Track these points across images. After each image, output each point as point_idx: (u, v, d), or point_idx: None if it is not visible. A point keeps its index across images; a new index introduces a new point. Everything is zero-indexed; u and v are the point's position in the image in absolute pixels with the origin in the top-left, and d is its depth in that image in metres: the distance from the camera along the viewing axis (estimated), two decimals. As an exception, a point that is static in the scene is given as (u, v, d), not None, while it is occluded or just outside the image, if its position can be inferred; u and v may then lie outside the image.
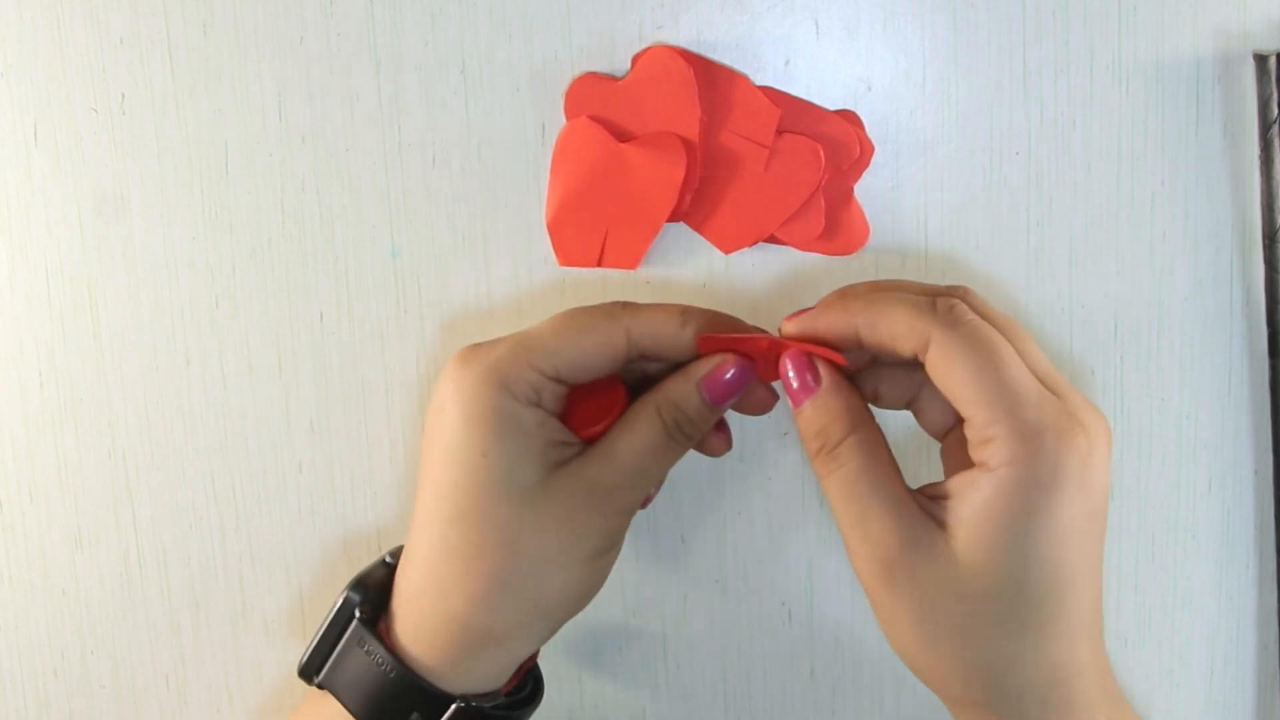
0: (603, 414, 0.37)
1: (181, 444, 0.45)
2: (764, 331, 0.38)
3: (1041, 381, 0.34)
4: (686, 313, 0.37)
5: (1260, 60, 0.43)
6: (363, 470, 0.46)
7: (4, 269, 0.44)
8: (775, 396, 0.38)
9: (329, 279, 0.44)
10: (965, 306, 0.34)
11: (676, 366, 0.38)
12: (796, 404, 0.36)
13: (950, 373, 0.33)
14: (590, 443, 0.37)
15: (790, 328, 0.37)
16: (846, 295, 0.36)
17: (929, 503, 0.34)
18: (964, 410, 0.33)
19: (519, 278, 0.45)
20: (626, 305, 0.37)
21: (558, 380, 0.36)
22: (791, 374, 0.36)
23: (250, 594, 0.46)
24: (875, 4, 0.43)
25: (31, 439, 0.45)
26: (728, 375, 0.36)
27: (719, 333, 0.37)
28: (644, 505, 0.39)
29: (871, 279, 0.45)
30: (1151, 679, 0.48)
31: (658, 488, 0.42)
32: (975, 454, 0.33)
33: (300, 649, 0.40)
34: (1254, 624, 0.48)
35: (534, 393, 0.36)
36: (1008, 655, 0.33)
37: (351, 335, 0.45)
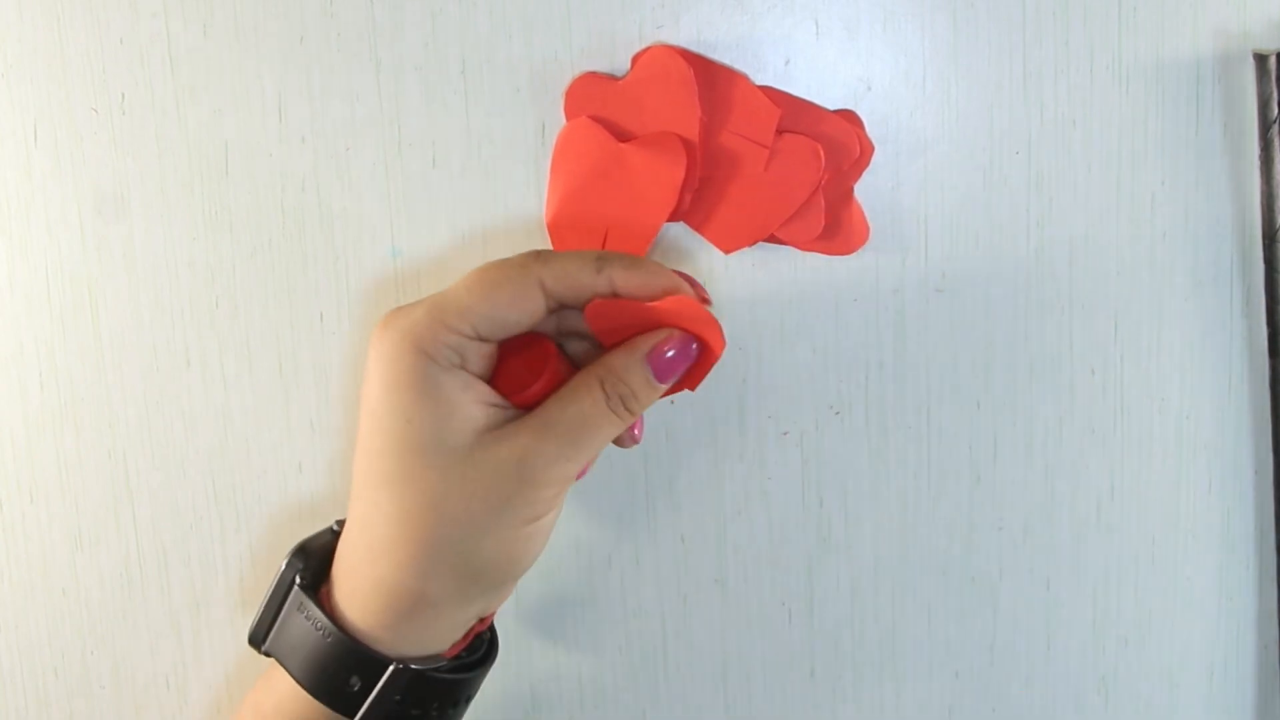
0: (532, 376, 0.37)
1: (181, 444, 0.45)
2: (684, 278, 0.37)
3: None
4: (601, 258, 0.36)
5: (1260, 60, 0.43)
6: (363, 470, 0.46)
7: (4, 269, 0.44)
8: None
9: (329, 279, 0.44)
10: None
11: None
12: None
13: None
14: (525, 409, 0.37)
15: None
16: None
17: None
18: None
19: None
20: (539, 255, 0.36)
21: (479, 339, 0.35)
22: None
23: (250, 594, 0.46)
24: (875, 4, 0.43)
25: (31, 439, 0.45)
26: (672, 352, 0.36)
27: (635, 277, 0.36)
28: (578, 477, 0.39)
29: (871, 279, 0.45)
30: (1151, 679, 0.48)
31: (592, 461, 0.42)
32: None
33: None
34: (1254, 624, 0.48)
35: (455, 355, 0.35)
36: None
37: (351, 335, 0.45)
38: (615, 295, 0.36)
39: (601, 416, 0.36)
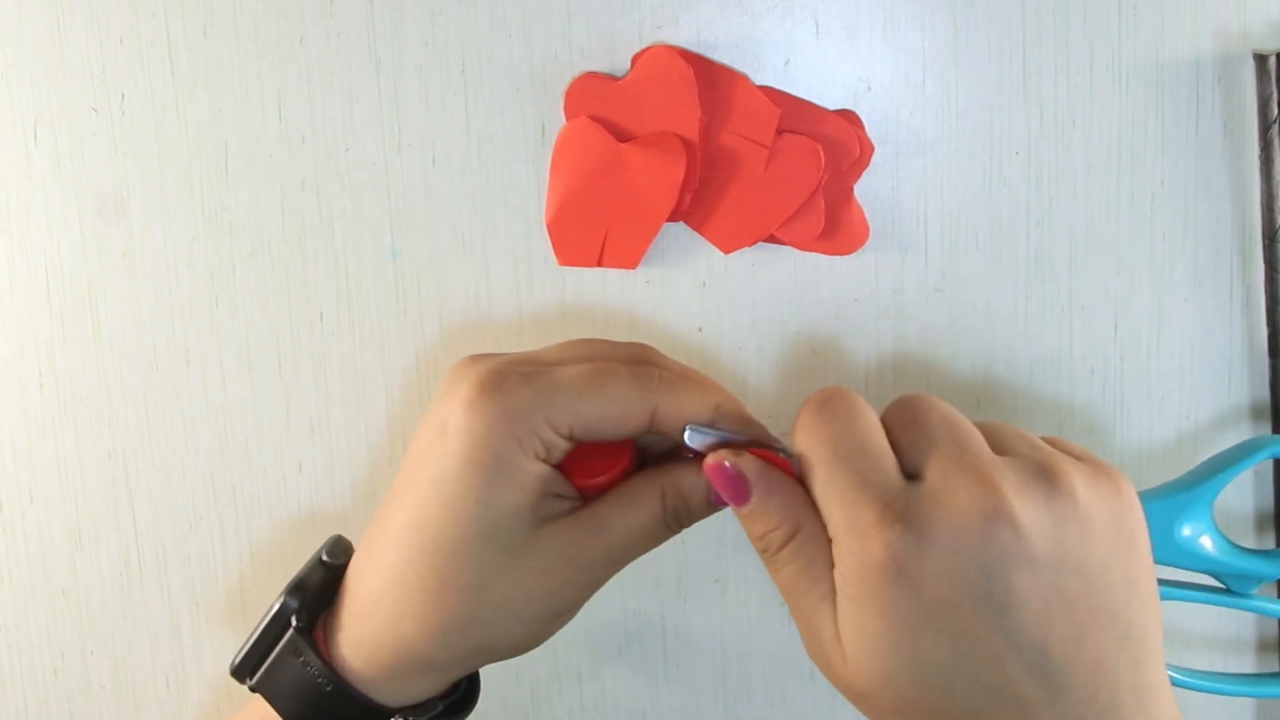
0: (605, 467, 0.36)
1: (181, 444, 0.45)
2: (778, 444, 0.36)
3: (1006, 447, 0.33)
4: (719, 408, 0.35)
5: (1260, 60, 0.43)
6: (363, 470, 0.46)
7: (4, 269, 0.44)
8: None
9: (329, 279, 0.44)
10: (821, 399, 0.34)
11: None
12: (736, 506, 0.34)
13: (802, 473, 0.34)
14: (585, 494, 0.36)
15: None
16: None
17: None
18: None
19: (519, 278, 0.44)
20: (662, 378, 0.35)
21: (571, 439, 0.34)
22: (726, 489, 0.34)
23: (250, 594, 0.46)
24: (875, 4, 0.43)
25: (31, 439, 0.45)
26: (739, 481, 0.34)
27: (740, 433, 0.35)
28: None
29: (871, 279, 0.45)
30: (1151, 679, 0.48)
31: None
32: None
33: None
34: (1254, 624, 0.48)
35: (544, 449, 0.34)
36: None
37: (351, 335, 0.45)
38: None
39: (656, 527, 0.35)
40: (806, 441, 0.33)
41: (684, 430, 0.35)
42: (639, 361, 0.36)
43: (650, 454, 0.38)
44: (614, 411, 0.34)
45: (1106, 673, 0.31)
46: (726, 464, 0.34)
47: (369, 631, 0.36)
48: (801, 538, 0.33)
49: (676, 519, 0.35)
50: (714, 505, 0.35)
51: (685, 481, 0.35)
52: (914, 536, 0.31)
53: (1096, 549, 0.31)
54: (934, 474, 0.32)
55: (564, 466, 0.35)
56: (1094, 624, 0.31)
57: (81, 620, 0.47)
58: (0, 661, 0.47)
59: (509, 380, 0.34)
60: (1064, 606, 0.31)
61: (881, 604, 0.31)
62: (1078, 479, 0.32)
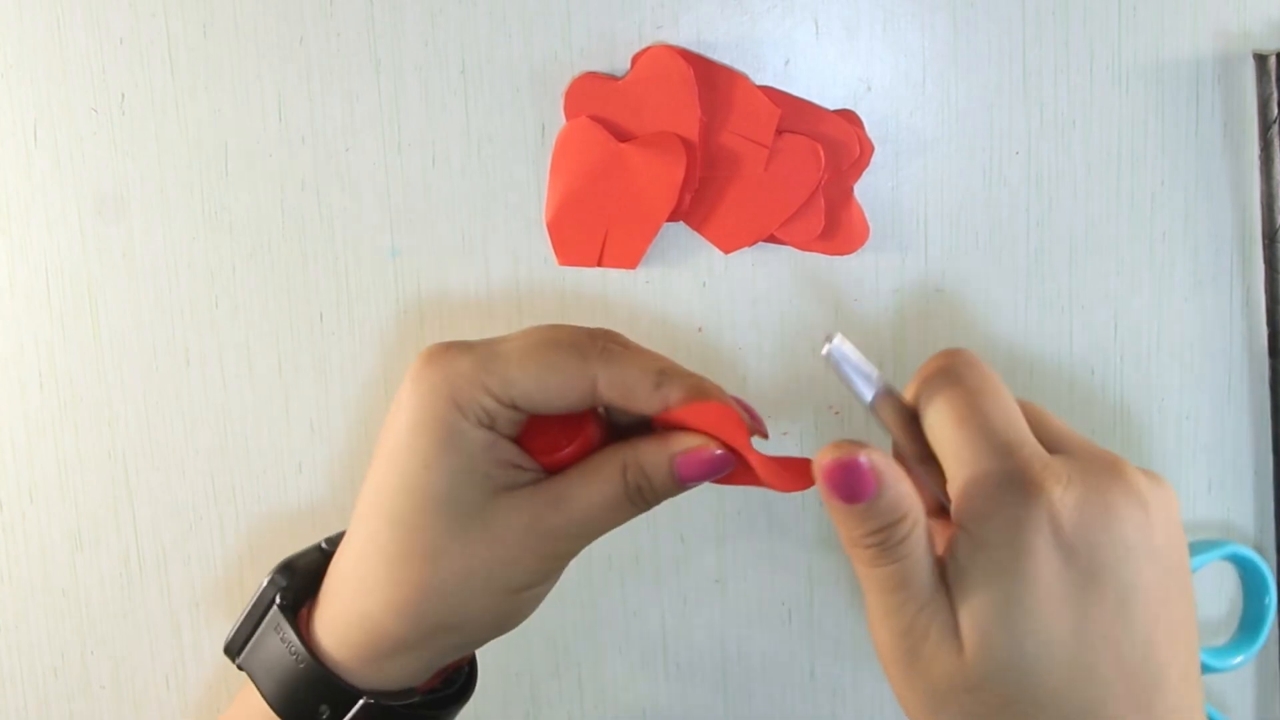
0: (565, 440, 0.35)
1: (181, 444, 0.45)
2: (741, 406, 0.35)
3: (1059, 441, 0.32)
4: (663, 374, 0.34)
5: (1260, 60, 0.43)
6: (363, 470, 0.46)
7: (4, 269, 0.44)
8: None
9: (329, 279, 0.44)
10: (963, 357, 0.33)
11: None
12: (843, 504, 0.31)
13: (936, 424, 0.32)
14: (551, 470, 0.35)
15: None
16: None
17: (942, 576, 0.32)
18: (944, 464, 0.32)
19: (519, 278, 0.44)
20: (605, 348, 0.34)
21: (514, 408, 0.34)
22: (845, 482, 0.31)
23: (250, 594, 0.46)
24: (875, 4, 0.43)
25: (31, 439, 0.45)
26: (707, 461, 0.34)
27: (694, 401, 0.34)
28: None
29: (871, 279, 0.45)
30: (1151, 679, 0.48)
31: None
32: (953, 513, 0.32)
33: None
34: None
35: (487, 416, 0.34)
36: None
37: (351, 335, 0.45)
38: (667, 418, 0.34)
39: (617, 502, 0.35)
40: (948, 390, 0.32)
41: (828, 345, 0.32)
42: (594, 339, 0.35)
43: (622, 431, 0.37)
44: (554, 381, 0.34)
45: (1191, 681, 0.31)
46: (861, 458, 0.30)
47: (340, 609, 0.36)
48: (920, 526, 0.31)
49: (640, 495, 0.35)
50: (681, 483, 0.34)
51: (646, 456, 0.34)
52: (1073, 500, 0.30)
53: (1182, 554, 0.31)
54: (1072, 448, 0.32)
55: (524, 441, 0.35)
56: (1184, 628, 0.31)
57: (81, 620, 0.47)
58: (0, 661, 0.47)
59: (451, 350, 0.35)
60: (1166, 605, 0.30)
61: (1025, 567, 0.29)
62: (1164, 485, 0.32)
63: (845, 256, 0.44)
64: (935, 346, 0.45)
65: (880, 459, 0.31)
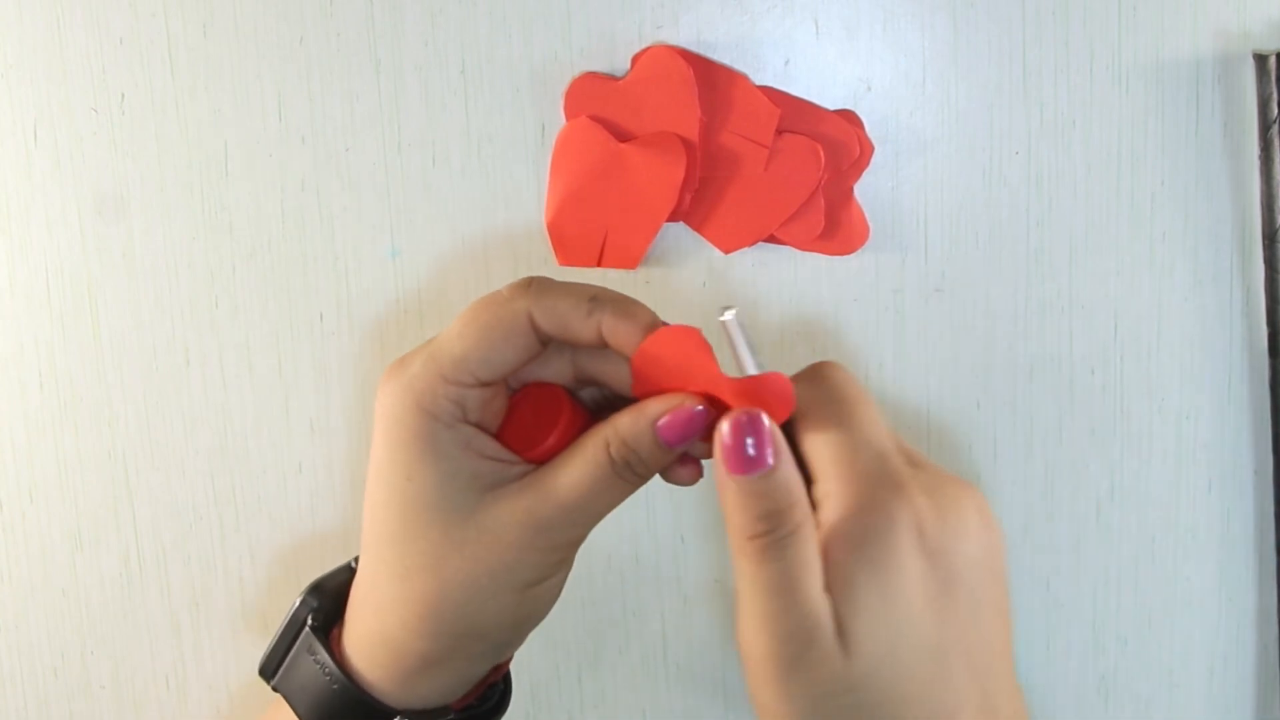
0: (545, 430, 0.35)
1: (181, 444, 0.45)
2: (685, 327, 0.34)
3: (917, 461, 0.33)
4: (595, 300, 0.33)
5: (1260, 60, 0.43)
6: (363, 470, 0.46)
7: (4, 269, 0.44)
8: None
9: (329, 279, 0.44)
10: (833, 369, 0.33)
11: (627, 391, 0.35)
12: (739, 472, 0.31)
13: (815, 422, 0.32)
14: (538, 464, 0.35)
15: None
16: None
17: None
18: (815, 465, 0.32)
19: (519, 278, 0.44)
20: (530, 285, 0.34)
21: (479, 385, 0.34)
22: (748, 440, 0.31)
23: (250, 594, 0.46)
24: (875, 4, 0.43)
25: (31, 439, 0.45)
26: (686, 419, 0.33)
27: (622, 327, 0.33)
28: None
29: (871, 279, 0.45)
30: (1151, 679, 0.48)
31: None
32: (826, 512, 0.31)
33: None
34: (1254, 624, 0.48)
35: (457, 408, 0.34)
36: None
37: (351, 335, 0.45)
38: (603, 343, 0.34)
39: (607, 481, 0.34)
40: (829, 394, 0.32)
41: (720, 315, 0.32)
42: (522, 283, 0.35)
43: (605, 413, 0.36)
44: (496, 336, 0.33)
45: (1018, 698, 0.32)
46: (765, 420, 0.31)
47: (364, 630, 0.36)
48: (808, 523, 0.31)
49: (629, 468, 0.34)
50: (669, 447, 0.33)
51: (626, 428, 0.33)
52: (934, 509, 0.31)
53: (1005, 583, 0.33)
54: (929, 467, 0.32)
55: (506, 440, 0.35)
56: (1009, 650, 0.32)
57: (81, 620, 0.47)
58: (0, 661, 0.47)
59: (402, 361, 0.34)
60: (1002, 622, 0.32)
61: (901, 563, 0.30)
62: None
63: (845, 256, 0.44)
64: (935, 346, 0.45)
65: (778, 432, 0.31)
